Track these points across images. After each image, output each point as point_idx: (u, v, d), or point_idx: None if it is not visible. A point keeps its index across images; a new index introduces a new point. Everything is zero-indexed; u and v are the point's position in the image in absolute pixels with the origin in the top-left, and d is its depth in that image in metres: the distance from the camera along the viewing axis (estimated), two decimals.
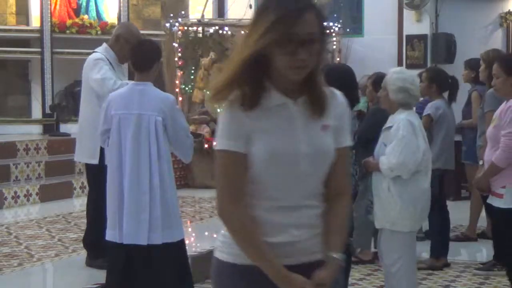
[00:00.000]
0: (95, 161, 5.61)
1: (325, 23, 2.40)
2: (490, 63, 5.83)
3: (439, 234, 6.61)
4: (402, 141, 4.56)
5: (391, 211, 4.61)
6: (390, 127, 4.66)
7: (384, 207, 4.63)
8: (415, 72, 5.36)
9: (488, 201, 5.10)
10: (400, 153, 4.53)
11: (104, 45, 5.82)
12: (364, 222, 5.96)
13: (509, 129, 4.86)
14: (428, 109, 6.68)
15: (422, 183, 4.67)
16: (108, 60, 5.65)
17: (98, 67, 5.56)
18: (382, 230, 4.75)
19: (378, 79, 6.61)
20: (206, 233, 7.36)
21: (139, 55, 4.77)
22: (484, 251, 6.97)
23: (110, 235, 4.66)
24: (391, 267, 4.68)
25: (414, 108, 5.01)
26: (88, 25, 11.85)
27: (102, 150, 5.41)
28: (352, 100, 4.21)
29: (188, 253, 4.99)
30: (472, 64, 7.52)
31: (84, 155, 5.77)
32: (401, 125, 4.58)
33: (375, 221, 4.76)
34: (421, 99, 6.87)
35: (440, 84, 6.77)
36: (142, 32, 10.21)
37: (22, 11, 11.93)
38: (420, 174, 4.65)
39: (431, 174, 6.40)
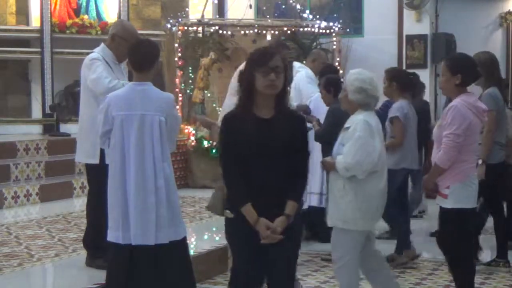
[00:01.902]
0: (95, 161, 5.61)
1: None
2: (482, 65, 5.84)
3: (405, 232, 6.76)
4: (358, 142, 4.65)
5: (344, 210, 4.70)
6: (348, 127, 4.76)
7: (338, 205, 4.73)
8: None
9: (436, 201, 5.16)
10: (356, 153, 4.63)
11: (102, 44, 5.82)
12: None
13: (450, 130, 4.89)
14: (396, 111, 6.64)
15: (378, 183, 4.75)
16: (104, 59, 5.65)
17: (94, 67, 5.56)
18: (333, 227, 4.85)
19: (327, 82, 6.67)
20: (206, 233, 7.36)
21: (138, 55, 4.76)
22: (484, 250, 6.97)
23: (113, 236, 4.65)
24: (337, 262, 4.85)
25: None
26: (88, 25, 11.86)
27: (102, 150, 5.41)
28: None
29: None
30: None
31: (84, 155, 5.76)
32: (358, 125, 4.69)
33: (328, 219, 4.85)
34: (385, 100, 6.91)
35: (401, 83, 6.72)
36: (142, 32, 10.25)
37: (22, 11, 11.93)
38: (376, 175, 4.73)
39: (398, 174, 6.43)
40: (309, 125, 6.41)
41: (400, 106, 6.66)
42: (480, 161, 5.91)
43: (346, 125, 4.82)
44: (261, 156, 3.83)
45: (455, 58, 5.46)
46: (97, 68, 5.54)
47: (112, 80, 5.45)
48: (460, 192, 4.96)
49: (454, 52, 11.51)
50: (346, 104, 4.92)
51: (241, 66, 7.40)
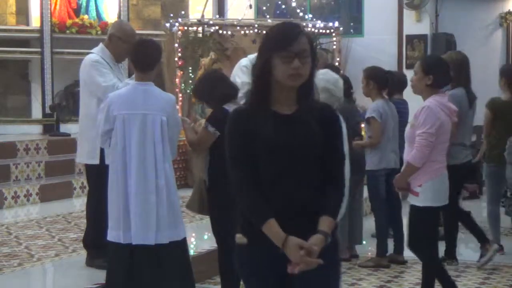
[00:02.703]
0: (95, 161, 5.61)
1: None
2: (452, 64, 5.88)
3: (385, 233, 6.75)
4: None
5: None
6: None
7: None
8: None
9: (408, 199, 5.21)
10: None
11: (101, 45, 5.82)
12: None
13: (423, 129, 4.96)
14: (372, 111, 6.61)
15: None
16: (105, 60, 5.65)
17: (100, 72, 5.54)
18: None
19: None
20: (206, 233, 7.36)
21: (141, 55, 4.76)
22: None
23: (113, 236, 4.65)
24: None
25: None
26: (88, 25, 11.85)
27: (102, 150, 5.41)
28: None
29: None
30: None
31: (84, 155, 5.76)
32: None
33: None
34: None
35: (377, 81, 6.67)
36: (142, 32, 10.26)
37: (22, 11, 11.92)
38: None
39: (378, 174, 6.42)
40: None
41: (376, 106, 6.59)
42: None
43: None
44: (281, 162, 2.95)
45: (430, 58, 5.57)
46: (105, 75, 5.53)
47: (118, 87, 5.44)
48: (431, 190, 5.04)
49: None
50: None
51: (243, 61, 7.43)
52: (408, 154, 5.09)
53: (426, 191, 5.03)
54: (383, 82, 6.64)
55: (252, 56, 7.58)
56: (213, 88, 5.09)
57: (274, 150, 2.95)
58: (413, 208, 5.15)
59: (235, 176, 3.01)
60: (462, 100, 6.35)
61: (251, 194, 2.96)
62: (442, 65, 5.23)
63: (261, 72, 2.99)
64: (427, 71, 5.08)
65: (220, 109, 4.94)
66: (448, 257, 6.58)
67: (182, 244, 4.76)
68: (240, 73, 6.69)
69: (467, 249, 7.34)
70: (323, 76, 4.94)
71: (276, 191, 2.94)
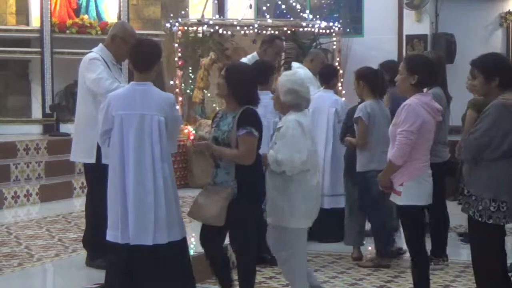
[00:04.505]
0: (91, 160, 5.61)
1: None
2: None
3: (382, 233, 6.69)
4: (290, 139, 4.82)
5: (281, 208, 4.86)
6: (281, 127, 4.93)
7: (275, 204, 4.88)
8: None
9: (390, 198, 5.22)
10: (287, 150, 4.80)
11: (100, 45, 5.83)
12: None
13: (404, 127, 4.97)
14: (359, 112, 6.57)
15: (310, 181, 4.93)
16: (103, 59, 5.66)
17: (94, 67, 5.56)
18: (273, 226, 4.99)
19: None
20: None
21: (140, 55, 4.76)
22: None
23: (112, 235, 4.66)
24: (283, 264, 5.01)
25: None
26: (88, 25, 11.85)
27: (99, 150, 5.41)
28: None
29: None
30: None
31: (80, 154, 5.76)
32: (290, 124, 4.85)
33: (267, 217, 4.99)
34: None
35: (368, 82, 6.62)
36: (142, 32, 10.26)
37: (22, 11, 11.92)
38: (308, 173, 4.91)
39: (368, 175, 6.43)
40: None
41: (364, 106, 6.55)
42: None
43: (278, 125, 5.02)
44: None
45: (415, 58, 5.55)
46: (97, 69, 5.54)
47: (113, 82, 5.46)
48: (413, 189, 5.05)
49: (454, 53, 11.56)
50: (278, 105, 5.06)
51: (243, 60, 7.42)
52: (390, 153, 5.11)
53: (408, 190, 5.04)
54: (374, 82, 6.61)
55: (252, 56, 7.62)
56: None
57: None
58: (397, 208, 5.19)
59: None
60: (442, 99, 6.39)
61: None
62: (426, 65, 5.23)
63: None
64: (411, 71, 5.09)
65: (250, 110, 4.85)
66: (435, 256, 6.54)
67: (181, 244, 4.77)
68: None
69: (467, 249, 7.32)
70: (290, 78, 5.01)
71: None
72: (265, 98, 5.65)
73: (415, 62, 5.21)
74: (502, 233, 4.62)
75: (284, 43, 8.65)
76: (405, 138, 4.96)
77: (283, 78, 5.02)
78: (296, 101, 4.93)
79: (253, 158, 4.75)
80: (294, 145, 4.81)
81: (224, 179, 4.81)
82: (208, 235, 4.97)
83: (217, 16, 12.73)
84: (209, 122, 9.93)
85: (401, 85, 5.19)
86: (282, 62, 11.26)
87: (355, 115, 6.60)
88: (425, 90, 6.07)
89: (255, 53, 7.67)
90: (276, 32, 11.49)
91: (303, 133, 4.85)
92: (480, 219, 4.48)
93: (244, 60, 7.55)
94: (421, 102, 5.05)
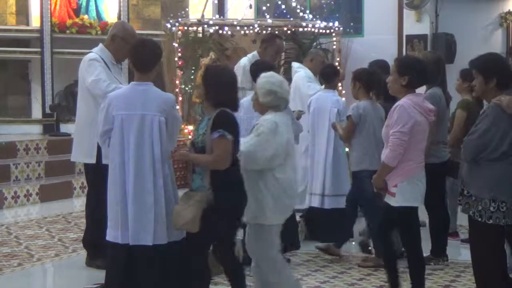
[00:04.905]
0: (92, 160, 5.61)
1: None
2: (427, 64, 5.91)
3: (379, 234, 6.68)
4: (259, 136, 4.81)
5: (255, 206, 4.81)
6: (257, 124, 4.94)
7: (250, 202, 4.81)
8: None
9: (385, 199, 5.21)
10: (252, 145, 4.78)
11: (100, 45, 5.83)
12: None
13: (396, 128, 4.98)
14: (350, 110, 6.58)
15: (281, 178, 4.86)
16: (103, 60, 5.66)
17: (92, 68, 5.57)
18: (248, 224, 4.93)
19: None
20: None
21: (140, 55, 4.75)
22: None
23: (112, 235, 4.66)
24: (261, 262, 4.90)
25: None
26: (88, 25, 11.86)
27: (99, 150, 5.41)
28: None
29: None
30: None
31: (80, 155, 5.77)
32: (264, 122, 4.86)
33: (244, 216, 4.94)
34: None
35: (363, 83, 6.58)
36: (142, 32, 10.26)
37: (22, 11, 11.93)
38: (278, 170, 4.84)
39: (360, 175, 6.42)
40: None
41: (356, 106, 6.56)
42: None
43: (256, 123, 5.03)
44: None
45: (405, 59, 5.63)
46: (95, 70, 5.55)
47: (110, 84, 5.47)
48: (407, 191, 5.06)
49: (454, 52, 11.57)
50: (257, 107, 5.05)
51: (243, 60, 7.42)
52: (384, 154, 5.11)
53: (402, 191, 5.05)
54: (369, 83, 6.62)
55: (252, 56, 7.63)
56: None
57: None
58: (389, 208, 5.16)
59: None
60: (441, 99, 6.39)
61: None
62: (417, 66, 5.23)
63: None
64: (402, 72, 5.10)
65: (224, 112, 4.67)
66: (435, 257, 6.54)
67: (181, 244, 4.76)
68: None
69: (467, 249, 7.31)
70: (268, 79, 4.97)
71: None
72: None
73: (405, 63, 5.24)
74: (502, 233, 4.61)
75: (284, 42, 8.66)
76: (397, 139, 4.97)
77: (262, 80, 4.99)
78: (275, 102, 4.92)
79: (228, 162, 4.56)
80: (261, 141, 4.79)
81: (199, 184, 4.66)
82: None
83: (217, 16, 12.73)
84: None
85: (392, 86, 5.21)
86: (282, 62, 11.27)
87: (347, 113, 6.64)
88: (424, 90, 6.08)
89: (255, 53, 7.67)
90: (276, 32, 11.50)
91: (276, 132, 4.82)
92: (480, 219, 4.47)
93: (244, 59, 7.56)
94: (413, 103, 5.05)
